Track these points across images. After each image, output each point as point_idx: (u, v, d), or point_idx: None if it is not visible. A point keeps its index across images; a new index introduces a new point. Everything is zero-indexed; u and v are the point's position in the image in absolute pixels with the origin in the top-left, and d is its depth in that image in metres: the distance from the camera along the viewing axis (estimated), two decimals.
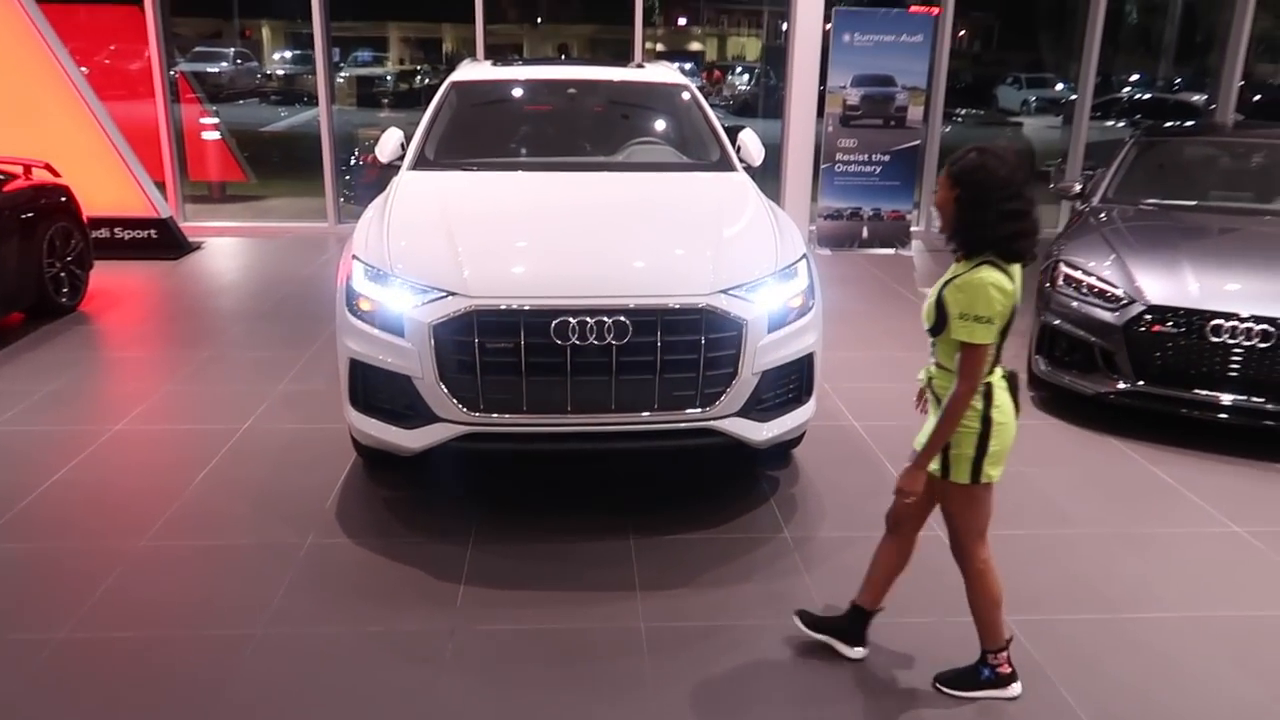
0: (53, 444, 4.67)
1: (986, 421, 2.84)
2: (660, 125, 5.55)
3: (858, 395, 5.45)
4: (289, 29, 19.13)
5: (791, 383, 4.01)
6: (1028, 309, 7.51)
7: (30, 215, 6.54)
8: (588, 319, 3.55)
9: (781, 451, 4.49)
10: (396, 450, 3.83)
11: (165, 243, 8.87)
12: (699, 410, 3.73)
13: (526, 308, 3.57)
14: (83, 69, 8.85)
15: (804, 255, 4.13)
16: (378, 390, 3.83)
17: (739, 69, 20.07)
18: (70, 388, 5.45)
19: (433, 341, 3.60)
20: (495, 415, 3.65)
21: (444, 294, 3.63)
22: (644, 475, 4.46)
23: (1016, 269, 2.77)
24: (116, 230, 8.78)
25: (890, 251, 9.55)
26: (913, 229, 9.91)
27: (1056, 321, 5.33)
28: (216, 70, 18.57)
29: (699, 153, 5.21)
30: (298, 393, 5.40)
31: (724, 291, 3.73)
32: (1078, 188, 6.64)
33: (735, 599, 3.52)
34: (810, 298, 4.06)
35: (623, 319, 3.57)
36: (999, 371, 2.87)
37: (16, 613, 3.34)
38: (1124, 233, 5.59)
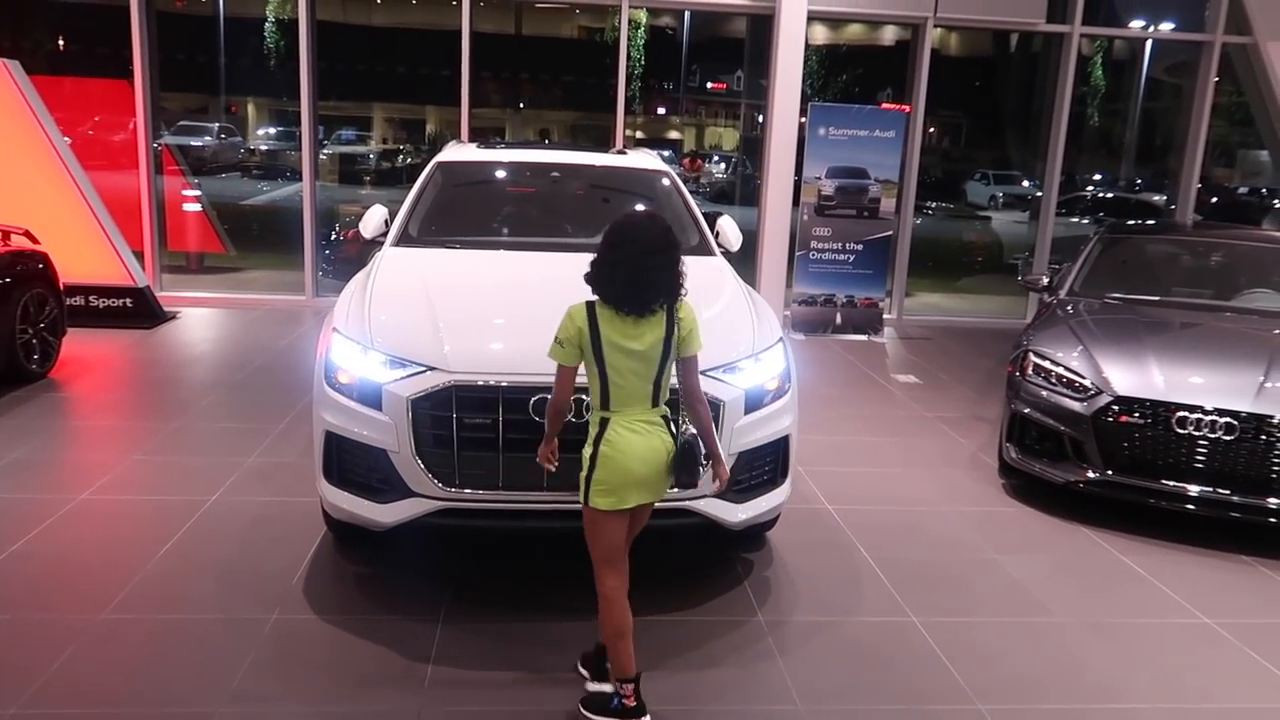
0: (12, 513, 4.57)
1: (595, 451, 3.09)
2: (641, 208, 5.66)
3: (832, 479, 5.48)
4: (273, 106, 19.40)
5: (768, 464, 4.03)
6: (998, 397, 7.69)
7: (6, 281, 6.52)
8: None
9: (756, 533, 4.48)
10: (369, 525, 3.79)
11: (141, 312, 8.84)
12: (675, 490, 3.72)
13: (505, 383, 3.59)
14: (68, 139, 8.92)
15: (780, 339, 4.20)
16: (352, 463, 3.81)
17: (715, 158, 20.55)
18: (35, 456, 5.36)
19: (410, 415, 3.60)
20: (470, 491, 3.63)
21: (423, 368, 3.64)
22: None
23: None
24: (92, 298, 8.74)
25: (863, 338, 9.70)
26: (885, 316, 10.08)
27: (1026, 410, 5.41)
28: (200, 144, 18.76)
29: (679, 237, 5.30)
30: (268, 465, 5.34)
31: (702, 372, 3.75)
32: (1045, 280, 6.82)
33: (708, 682, 3.48)
34: (786, 381, 4.11)
35: None
36: (635, 413, 3.11)
37: None
38: (1090, 325, 5.73)
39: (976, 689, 3.50)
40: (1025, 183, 21.63)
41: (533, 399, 3.57)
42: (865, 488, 5.47)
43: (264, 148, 19.46)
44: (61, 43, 13.02)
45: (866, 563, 4.49)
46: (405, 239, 4.95)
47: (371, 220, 5.10)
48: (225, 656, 3.47)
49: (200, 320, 9.23)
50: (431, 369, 3.64)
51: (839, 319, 9.79)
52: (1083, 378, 5.22)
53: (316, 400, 3.90)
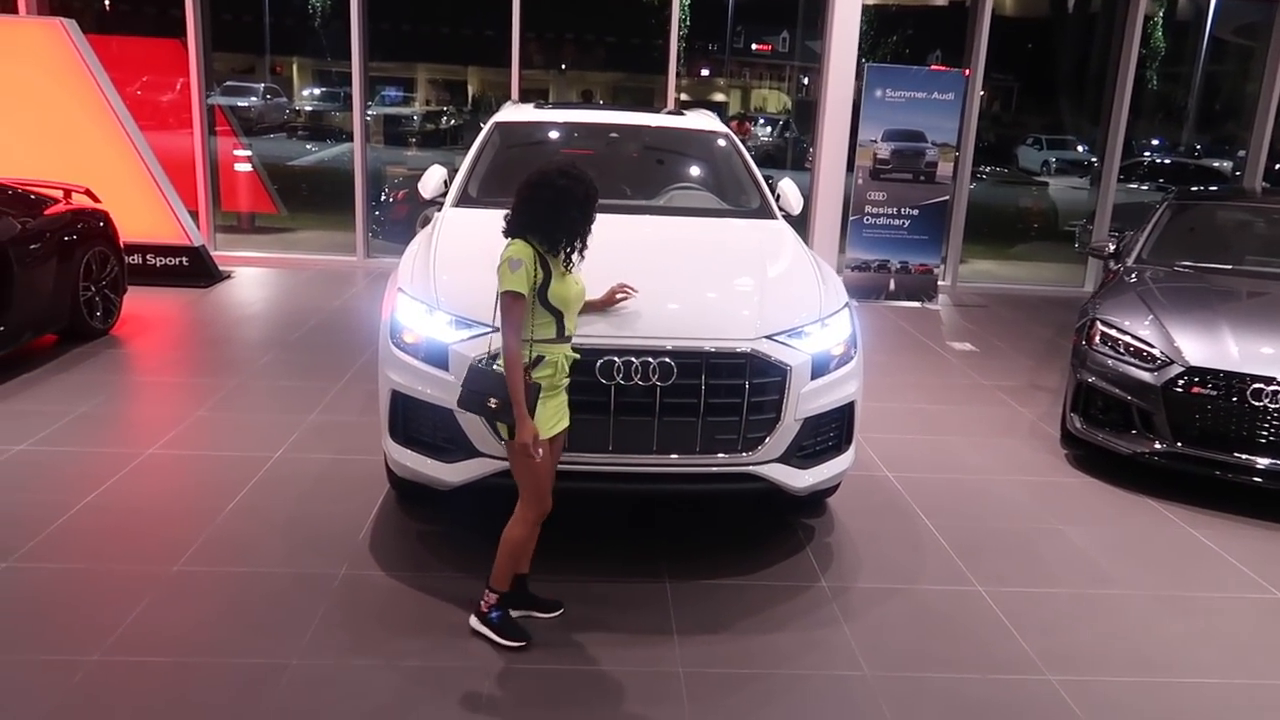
0: (84, 466, 4.67)
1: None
2: (700, 171, 5.59)
3: (890, 446, 5.42)
4: (317, 67, 19.46)
5: (832, 430, 3.99)
6: (1057, 366, 7.55)
7: (69, 239, 6.62)
8: (633, 359, 3.55)
9: (817, 499, 4.45)
10: (434, 484, 3.81)
11: (197, 271, 8.94)
12: (741, 455, 3.71)
13: (574, 345, 3.56)
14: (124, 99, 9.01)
15: (847, 304, 4.14)
16: (418, 423, 3.83)
17: (761, 120, 20.28)
18: (101, 410, 5.46)
19: None
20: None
21: (489, 329, 3.62)
22: (678, 518, 4.43)
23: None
24: (149, 257, 8.86)
25: (916, 305, 9.56)
26: (940, 283, 9.93)
27: (1093, 379, 5.30)
28: (246, 104, 18.89)
29: (739, 200, 5.25)
30: (328, 424, 5.39)
31: (769, 337, 3.73)
32: (1111, 248, 6.64)
33: (774, 647, 3.47)
34: (852, 347, 4.05)
35: (668, 360, 3.57)
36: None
37: (48, 633, 3.32)
38: (1159, 294, 5.58)
39: (1045, 659, 3.46)
40: (1080, 148, 21.16)
41: (599, 360, 3.55)
42: (924, 455, 5.41)
43: (309, 109, 19.56)
44: (108, 1, 13.12)
45: (929, 530, 4.45)
46: (465, 199, 4.93)
47: (431, 180, 5.09)
48: (296, 610, 3.52)
49: (254, 279, 9.32)
50: (496, 329, 3.62)
51: (892, 285, 9.65)
52: (1152, 347, 5.10)
53: (382, 359, 3.92)
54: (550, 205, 3.19)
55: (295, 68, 20.45)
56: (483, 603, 3.41)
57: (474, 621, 3.43)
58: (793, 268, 4.31)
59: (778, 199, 5.24)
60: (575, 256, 3.29)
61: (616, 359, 3.55)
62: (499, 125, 5.52)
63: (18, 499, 4.27)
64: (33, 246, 6.20)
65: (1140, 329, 5.24)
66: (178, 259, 8.91)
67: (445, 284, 3.91)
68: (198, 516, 4.19)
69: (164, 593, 3.60)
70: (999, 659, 3.47)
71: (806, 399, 3.77)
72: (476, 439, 3.65)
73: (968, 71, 9.76)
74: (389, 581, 3.75)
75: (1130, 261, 6.24)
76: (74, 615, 3.44)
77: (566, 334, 3.29)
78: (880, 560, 4.14)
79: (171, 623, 3.42)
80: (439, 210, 4.89)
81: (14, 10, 9.62)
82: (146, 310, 7.73)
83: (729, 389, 3.65)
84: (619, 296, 3.63)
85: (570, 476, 3.70)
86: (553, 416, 3.27)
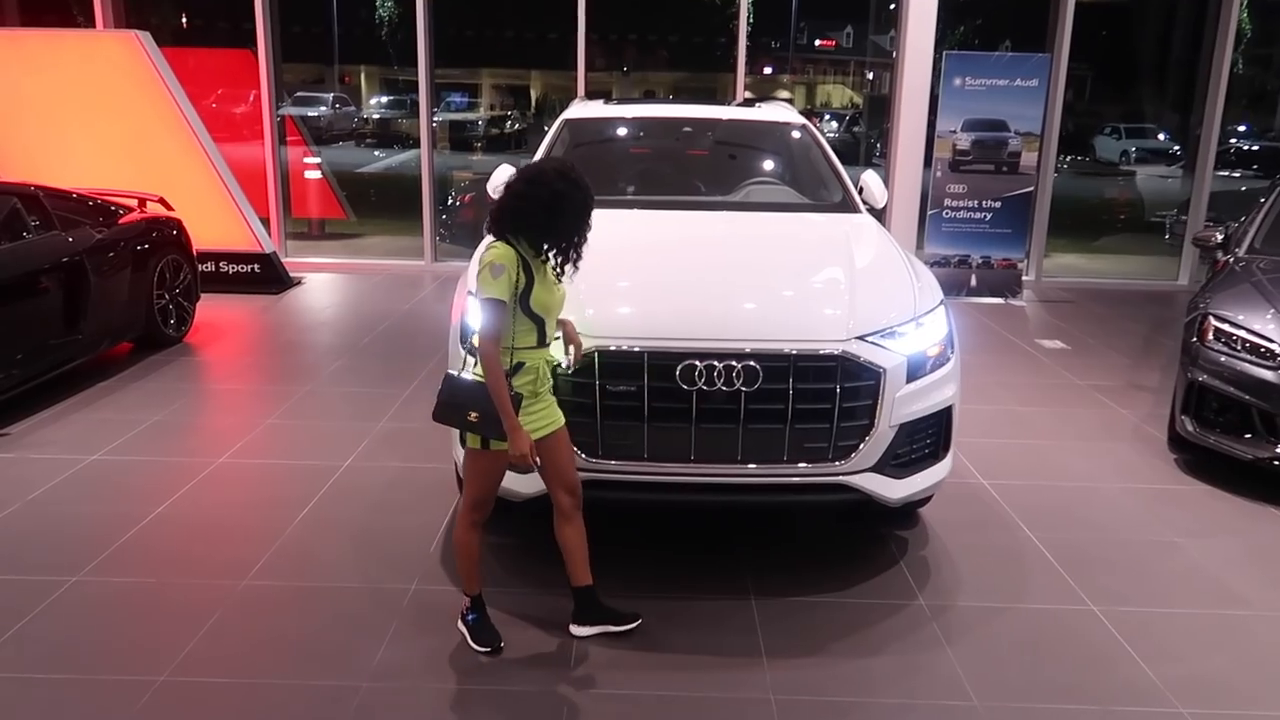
0: (156, 476, 4.62)
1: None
2: (778, 165, 5.35)
3: (984, 452, 5.11)
4: (384, 75, 19.71)
5: (929, 437, 3.72)
6: (1156, 364, 7.12)
7: (143, 247, 6.64)
8: (716, 363, 3.34)
9: (909, 510, 4.18)
10: (507, 495, 3.62)
11: (268, 277, 8.98)
12: (831, 464, 3.47)
13: (652, 350, 3.37)
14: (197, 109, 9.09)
15: (942, 301, 3.86)
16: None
17: (827, 116, 19.90)
18: (174, 419, 5.43)
19: (552, 383, 3.41)
20: (614, 462, 3.44)
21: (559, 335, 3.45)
22: (762, 530, 4.19)
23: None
24: (222, 264, 8.92)
25: (1000, 301, 9.15)
26: (1023, 278, 9.50)
27: (1205, 379, 4.91)
28: (316, 114, 19.18)
29: (819, 193, 5.00)
30: (397, 431, 5.28)
31: (861, 338, 3.47)
32: (1219, 237, 6.20)
33: (872, 672, 3.22)
34: (949, 348, 3.78)
35: (753, 364, 3.35)
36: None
37: (115, 651, 3.23)
38: (1277, 285, 5.16)
39: (1176, 689, 3.14)
40: (1160, 136, 20.30)
41: (680, 365, 3.34)
42: (1021, 461, 5.08)
43: (376, 116, 19.80)
44: (185, 17, 13.34)
45: (1031, 543, 4.14)
46: None
47: (498, 180, 4.92)
48: (367, 627, 3.38)
49: (324, 285, 9.33)
50: None
51: (974, 281, 9.26)
52: (1273, 343, 4.70)
53: (451, 365, 3.76)
54: (546, 208, 3.01)
55: (363, 76, 20.72)
56: (463, 606, 3.33)
57: (458, 625, 3.34)
58: (883, 263, 4.05)
59: (860, 192, 4.98)
60: (569, 266, 3.13)
61: (698, 363, 3.34)
62: (568, 122, 5.35)
63: (88, 511, 4.23)
64: (109, 255, 6.23)
65: (1259, 323, 4.84)
66: (250, 266, 8.96)
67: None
68: (266, 528, 4.09)
69: (232, 609, 3.49)
70: (1122, 689, 3.16)
71: (902, 404, 3.51)
72: None
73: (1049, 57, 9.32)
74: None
75: (1241, 251, 5.81)
76: (141, 633, 3.34)
77: (547, 340, 3.12)
78: (981, 576, 3.86)
79: (239, 641, 3.30)
80: None
81: (91, 24, 9.79)
82: (219, 317, 7.75)
83: (818, 394, 3.41)
84: (570, 348, 3.33)
85: (650, 488, 3.52)
86: (536, 423, 3.10)
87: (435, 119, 18.99)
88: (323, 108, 19.30)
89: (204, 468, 4.71)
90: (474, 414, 3.00)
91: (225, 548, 3.93)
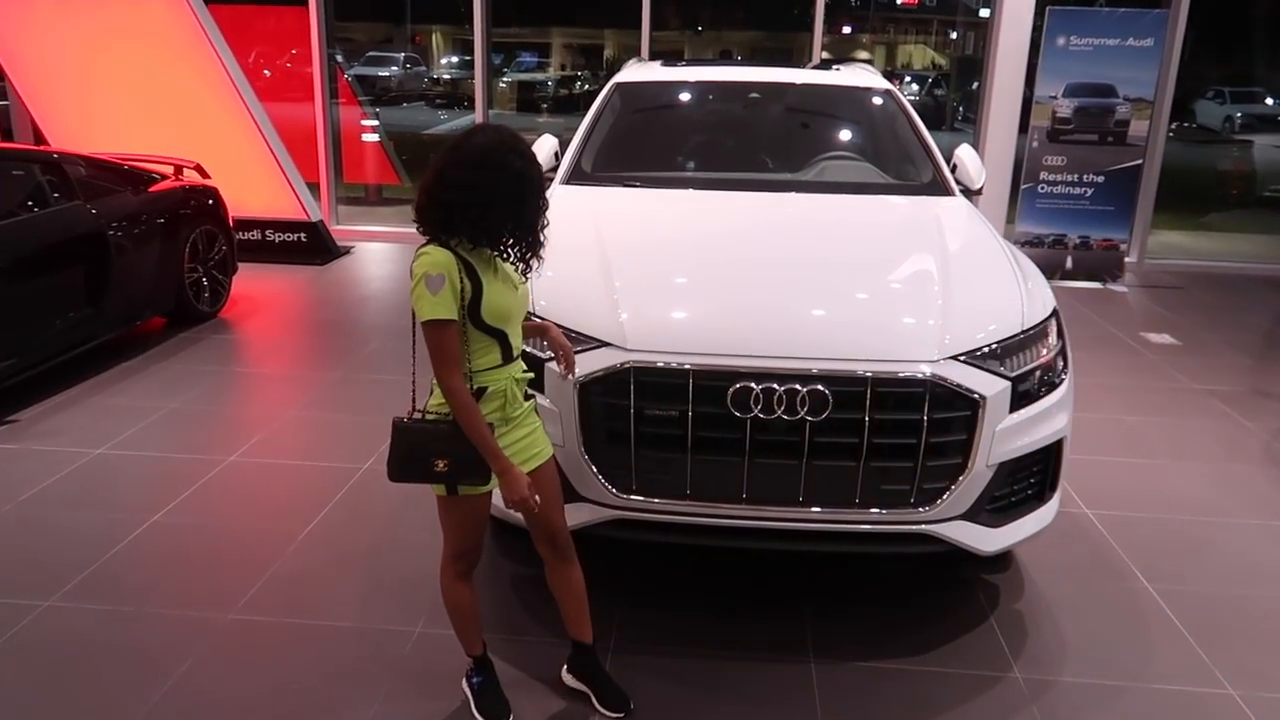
0: (158, 476, 4.22)
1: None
2: (858, 137, 4.69)
3: (1087, 472, 4.42)
4: (456, 34, 19.35)
5: (1033, 476, 3.09)
6: None
7: (175, 217, 6.27)
8: (776, 386, 2.75)
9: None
10: (513, 522, 3.12)
11: (314, 247, 8.60)
12: (914, 510, 2.87)
13: (699, 367, 2.80)
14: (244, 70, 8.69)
15: (1055, 310, 3.20)
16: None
17: (908, 78, 18.89)
18: (191, 406, 5.05)
19: (578, 403, 2.87)
20: (651, 500, 2.89)
21: (595, 344, 2.90)
22: (827, 576, 3.60)
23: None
24: (267, 232, 8.58)
25: (1098, 285, 8.32)
26: (1125, 260, 8.62)
27: None
28: (387, 74, 18.88)
29: (907, 172, 4.33)
30: None
31: (956, 358, 2.85)
32: None
33: None
34: (1063, 367, 3.12)
35: (821, 388, 2.75)
36: None
37: (80, 696, 2.82)
38: None
39: None
40: (1269, 100, 18.76)
41: (732, 387, 2.77)
42: (1131, 486, 4.39)
43: (447, 76, 19.45)
44: None
45: (1149, 596, 3.49)
46: (577, 175, 4.21)
47: (540, 153, 4.36)
48: (361, 678, 2.92)
49: (373, 256, 8.93)
50: (605, 344, 2.89)
51: (1069, 263, 8.43)
52: None
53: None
54: (511, 196, 2.35)
55: (435, 36, 20.34)
56: (467, 669, 2.83)
57: (463, 685, 2.84)
58: (983, 261, 3.39)
59: (954, 170, 4.30)
60: (533, 261, 2.50)
61: (754, 386, 2.76)
62: (619, 86, 4.75)
63: (76, 519, 3.84)
64: (136, 227, 5.86)
65: None
66: (295, 235, 8.59)
67: (544, 283, 3.18)
68: (266, 547, 3.65)
69: (213, 647, 3.05)
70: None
71: (1003, 438, 2.88)
72: (578, 481, 2.94)
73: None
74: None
75: None
76: (112, 671, 2.93)
77: (514, 354, 2.50)
78: (1090, 641, 3.22)
79: (216, 688, 2.87)
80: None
81: None
82: (259, 290, 7.39)
83: (901, 425, 2.80)
84: (556, 348, 2.71)
85: (691, 531, 2.96)
86: (515, 457, 2.50)
87: (504, 80, 18.58)
88: (394, 68, 19.00)
89: (210, 468, 4.30)
90: (441, 462, 2.42)
91: (215, 572, 3.50)
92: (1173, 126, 13.48)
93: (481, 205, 2.33)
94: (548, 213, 2.47)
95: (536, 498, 2.45)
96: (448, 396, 2.39)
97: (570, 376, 2.72)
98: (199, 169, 6.88)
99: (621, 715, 2.77)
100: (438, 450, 2.43)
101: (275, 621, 3.20)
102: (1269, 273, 9.15)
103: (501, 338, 2.46)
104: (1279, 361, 6.47)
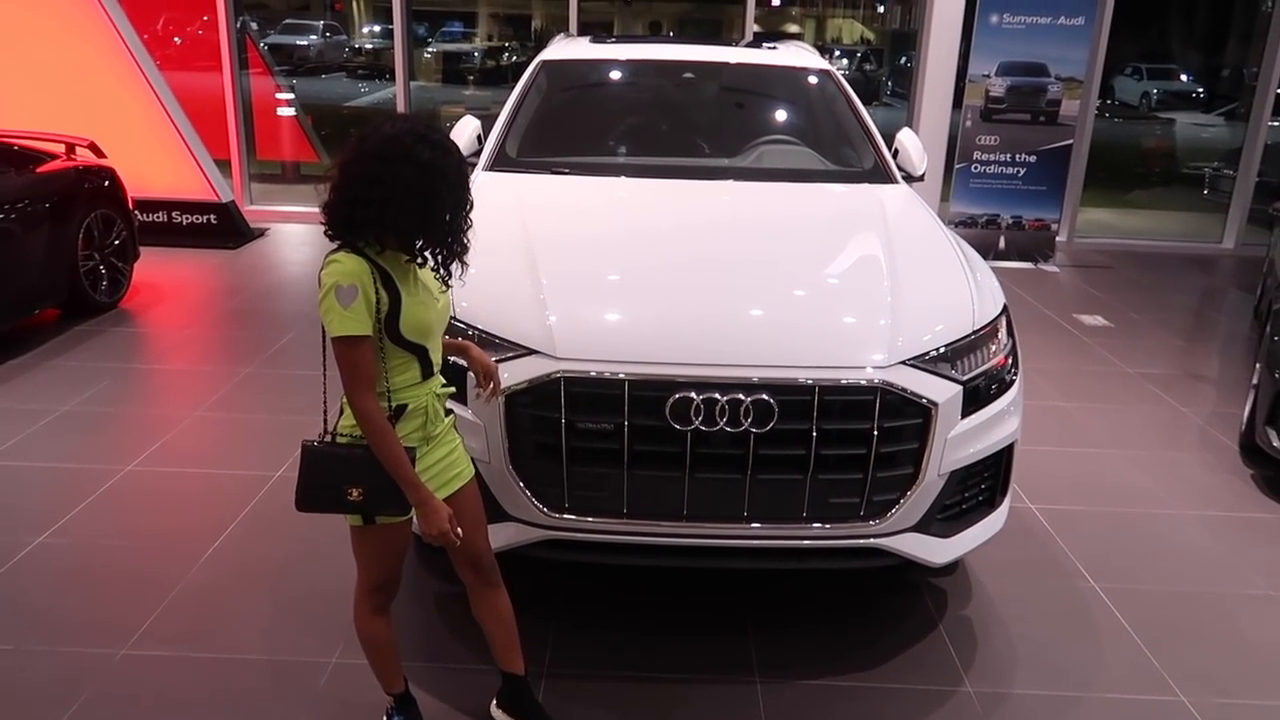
0: (47, 489, 3.87)
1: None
2: (797, 121, 4.50)
3: (1028, 463, 4.33)
4: (379, 1, 18.68)
5: (984, 483, 2.96)
6: (1213, 347, 6.33)
7: (67, 200, 5.80)
8: (718, 396, 2.56)
9: None
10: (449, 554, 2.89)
11: (225, 230, 8.13)
12: (864, 523, 2.71)
13: (635, 377, 2.58)
14: (143, 36, 8.13)
15: (1005, 308, 3.07)
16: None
17: (838, 53, 18.84)
18: (87, 408, 4.67)
19: (504, 415, 2.64)
20: (585, 518, 2.68)
21: (522, 352, 2.67)
22: (771, 590, 3.43)
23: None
24: (174, 214, 8.08)
25: (1030, 266, 8.33)
26: (1057, 240, 8.64)
27: None
28: (305, 44, 18.11)
29: (847, 158, 4.16)
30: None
31: (906, 362, 2.69)
32: None
33: None
34: (1013, 366, 2.99)
35: (766, 398, 2.56)
36: None
37: None
38: None
39: None
40: (1184, 77, 19.19)
41: (671, 398, 2.56)
42: (1072, 477, 4.33)
43: (369, 46, 18.76)
44: None
45: (1096, 597, 3.41)
46: (501, 161, 3.94)
47: (460, 136, 4.10)
48: (271, 716, 2.66)
49: (290, 238, 8.49)
50: (532, 352, 2.66)
51: (1002, 243, 8.42)
52: None
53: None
54: (417, 192, 2.06)
55: (355, 3, 19.62)
56: (386, 704, 2.58)
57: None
58: (931, 255, 3.24)
59: (895, 155, 4.14)
60: (456, 265, 2.25)
61: (695, 396, 2.56)
62: (546, 65, 4.48)
63: None
64: (20, 211, 5.39)
65: None
66: (204, 217, 8.11)
67: (467, 283, 2.92)
68: (165, 569, 3.35)
69: (102, 690, 2.76)
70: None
71: (955, 445, 2.74)
72: (505, 499, 2.72)
73: None
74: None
75: None
76: None
77: (434, 369, 2.28)
78: (1041, 648, 3.12)
79: None
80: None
81: None
82: (164, 277, 6.94)
83: (849, 436, 2.64)
84: (477, 367, 2.47)
85: (629, 551, 2.76)
86: (435, 480, 2.30)
87: (429, 50, 17.99)
88: (312, 36, 18.24)
89: (106, 479, 3.96)
90: (356, 490, 2.17)
91: (108, 600, 3.19)
92: (1097, 104, 13.63)
93: (381, 202, 2.05)
94: (471, 211, 2.22)
95: (459, 530, 2.21)
96: (360, 420, 2.14)
97: (493, 400, 2.48)
98: (93, 147, 6.39)
99: None
100: (351, 478, 2.18)
101: (174, 656, 2.92)
102: (1193, 251, 9.29)
103: (421, 353, 2.22)
104: (1208, 343, 6.53)
